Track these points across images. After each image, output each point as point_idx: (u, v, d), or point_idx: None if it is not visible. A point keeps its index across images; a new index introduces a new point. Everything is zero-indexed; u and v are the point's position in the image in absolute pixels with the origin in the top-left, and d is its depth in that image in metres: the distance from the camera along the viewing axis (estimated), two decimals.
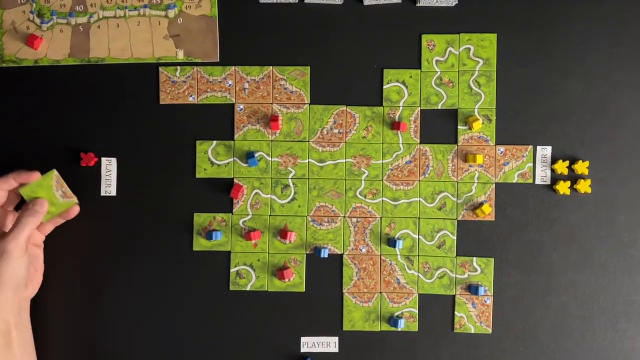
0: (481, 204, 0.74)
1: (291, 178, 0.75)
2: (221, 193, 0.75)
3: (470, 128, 0.74)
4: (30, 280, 0.69)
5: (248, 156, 0.74)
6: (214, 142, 0.75)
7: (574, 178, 0.75)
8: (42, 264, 0.71)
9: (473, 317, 0.74)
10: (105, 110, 0.75)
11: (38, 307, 0.72)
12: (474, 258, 0.74)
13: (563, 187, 0.74)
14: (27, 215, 0.67)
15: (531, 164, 0.74)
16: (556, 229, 0.74)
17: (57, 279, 0.74)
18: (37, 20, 0.75)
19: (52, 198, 0.67)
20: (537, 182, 0.74)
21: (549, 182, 0.74)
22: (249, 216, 0.75)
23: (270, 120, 0.74)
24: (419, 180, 0.75)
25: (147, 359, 0.74)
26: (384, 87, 0.74)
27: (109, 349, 0.74)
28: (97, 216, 0.74)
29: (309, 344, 0.74)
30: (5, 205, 0.70)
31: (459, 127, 0.75)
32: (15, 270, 0.65)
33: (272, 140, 0.75)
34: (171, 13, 0.74)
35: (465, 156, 0.74)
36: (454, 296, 0.74)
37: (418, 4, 0.74)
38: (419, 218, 0.75)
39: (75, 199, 0.69)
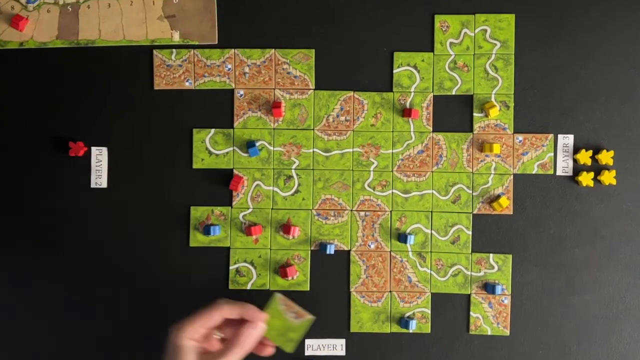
0: (498, 196, 0.73)
1: (295, 169, 0.73)
2: (220, 185, 0.74)
3: (486, 115, 0.73)
4: None
5: (248, 145, 0.73)
6: (212, 131, 0.73)
7: (597, 169, 0.73)
8: None
9: (490, 318, 0.73)
10: (96, 96, 0.74)
11: (26, 307, 0.72)
12: (491, 254, 0.73)
13: (586, 179, 0.72)
14: (245, 339, 0.61)
15: (552, 154, 0.73)
16: (579, 223, 0.73)
17: (44, 278, 0.73)
18: (23, 0, 0.73)
19: (287, 323, 0.63)
20: (558, 173, 0.73)
21: (570, 173, 0.73)
22: (250, 210, 0.73)
23: (273, 107, 0.73)
24: (432, 171, 0.73)
25: None
26: (394, 71, 0.73)
27: (99, 350, 0.73)
28: (86, 210, 0.73)
29: (314, 346, 0.73)
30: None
31: (474, 114, 0.73)
32: None
33: (274, 129, 0.74)
34: None
35: (481, 145, 0.73)
36: (469, 295, 0.73)
37: None
38: (431, 212, 0.73)
39: (309, 315, 0.64)
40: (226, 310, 0.61)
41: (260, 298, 0.71)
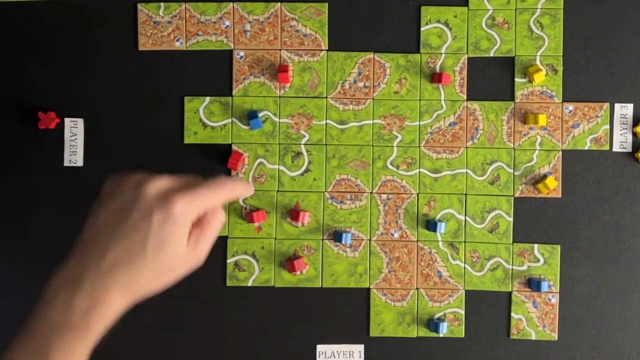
0: (544, 176, 0.70)
1: (304, 144, 0.71)
2: (216, 163, 0.71)
3: (530, 81, 0.70)
4: None
5: (250, 116, 0.70)
6: (207, 99, 0.71)
7: None
8: None
9: (534, 320, 0.70)
10: (70, 58, 0.71)
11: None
12: (536, 245, 0.70)
13: None
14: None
15: (607, 127, 0.70)
16: (639, 208, 0.70)
17: (15, 274, 0.71)
18: None
19: None
20: (615, 149, 0.70)
21: (630, 149, 0.70)
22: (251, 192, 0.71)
23: (278, 71, 0.70)
24: (466, 147, 0.70)
25: None
26: (422, 29, 0.70)
27: None
28: (59, 191, 0.71)
29: (327, 353, 0.71)
30: None
31: (516, 79, 0.70)
32: None
33: (280, 97, 0.71)
34: None
35: (525, 116, 0.70)
36: (510, 293, 0.70)
37: None
38: (465, 194, 0.70)
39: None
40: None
41: (263, 296, 0.70)
